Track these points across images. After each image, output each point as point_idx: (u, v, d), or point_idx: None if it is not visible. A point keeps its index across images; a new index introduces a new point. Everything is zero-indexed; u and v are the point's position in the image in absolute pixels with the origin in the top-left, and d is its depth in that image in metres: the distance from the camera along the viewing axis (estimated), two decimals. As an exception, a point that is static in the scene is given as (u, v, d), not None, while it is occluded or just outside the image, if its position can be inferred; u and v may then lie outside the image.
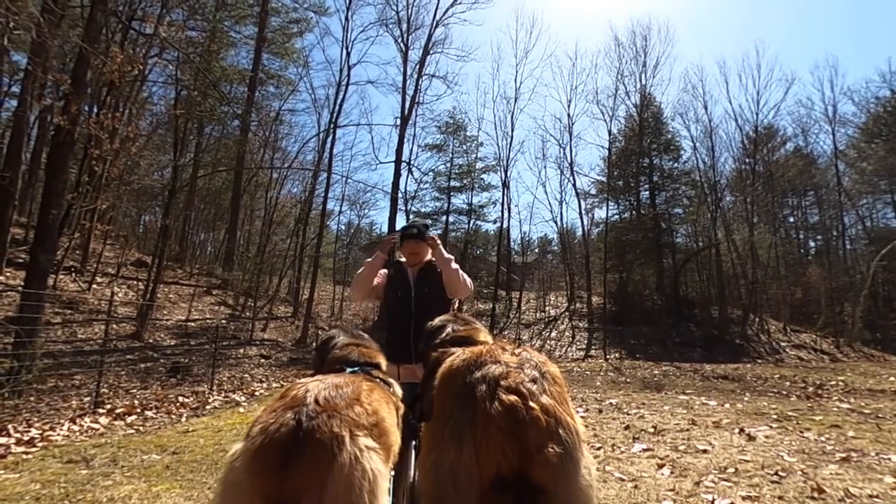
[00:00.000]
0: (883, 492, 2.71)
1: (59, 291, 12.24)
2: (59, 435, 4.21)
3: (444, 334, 1.81)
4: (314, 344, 16.76)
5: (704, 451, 3.69)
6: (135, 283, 15.23)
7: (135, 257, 17.77)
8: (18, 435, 4.03)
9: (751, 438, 4.13)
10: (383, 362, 1.83)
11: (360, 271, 2.57)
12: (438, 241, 2.55)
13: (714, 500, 2.57)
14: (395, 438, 1.30)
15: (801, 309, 26.79)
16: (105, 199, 10.08)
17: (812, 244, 33.66)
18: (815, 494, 2.67)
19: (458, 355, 1.36)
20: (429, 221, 3.08)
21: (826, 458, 3.48)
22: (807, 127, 29.72)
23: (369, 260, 2.57)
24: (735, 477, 3.02)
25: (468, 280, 2.52)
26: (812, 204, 32.56)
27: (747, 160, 25.98)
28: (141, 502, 2.57)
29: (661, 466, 3.30)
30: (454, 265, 2.46)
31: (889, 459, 3.39)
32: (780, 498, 2.62)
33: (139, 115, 16.69)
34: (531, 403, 1.08)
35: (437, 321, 1.91)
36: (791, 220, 32.98)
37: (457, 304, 2.71)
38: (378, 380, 1.58)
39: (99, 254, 14.97)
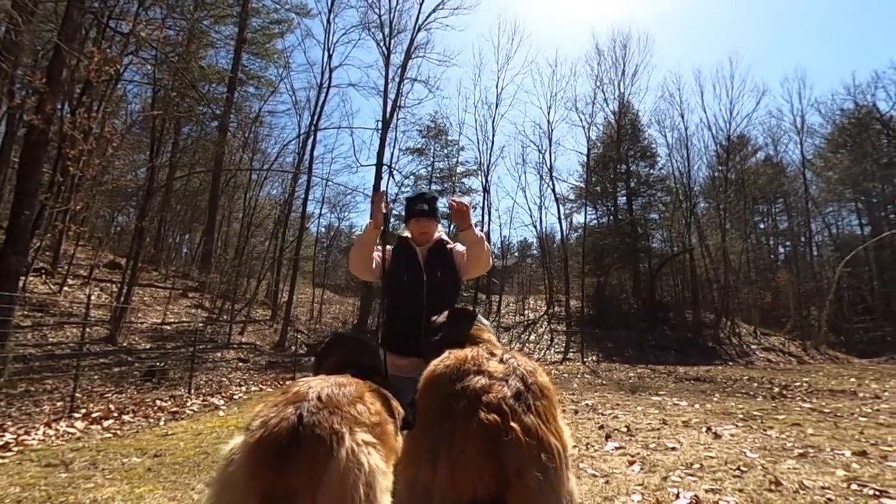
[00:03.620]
0: (834, 484, 2.90)
1: (29, 294, 11.91)
2: (34, 439, 4.16)
3: (444, 331, 1.69)
4: (293, 348, 16.66)
5: (673, 449, 3.87)
6: (108, 285, 14.89)
7: (108, 259, 17.38)
8: (-8, 439, 3.98)
9: (717, 436, 4.33)
10: (380, 366, 1.70)
11: (353, 249, 2.16)
12: (470, 214, 2.05)
13: (679, 493, 2.73)
14: (398, 441, 1.26)
15: (770, 312, 27.70)
16: (79, 199, 9.87)
17: (781, 250, 34.85)
18: (773, 487, 2.85)
19: (442, 360, 1.30)
20: (437, 194, 2.64)
21: (785, 453, 3.68)
22: (776, 136, 30.86)
23: (359, 234, 2.16)
24: (700, 472, 3.19)
25: (491, 256, 2.20)
26: (781, 211, 33.73)
27: (720, 168, 26.80)
28: (125, 503, 2.60)
29: (631, 463, 3.46)
30: (486, 244, 2.14)
31: (843, 454, 3.61)
32: (741, 490, 2.79)
33: (114, 114, 16.37)
34: (512, 423, 1.03)
35: (442, 317, 1.76)
36: (762, 226, 34.08)
37: None
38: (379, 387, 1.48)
39: (71, 255, 14.62)
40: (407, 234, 2.28)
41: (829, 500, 2.64)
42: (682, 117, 28.02)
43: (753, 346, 21.24)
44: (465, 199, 2.10)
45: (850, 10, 51.36)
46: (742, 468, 3.24)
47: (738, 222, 26.97)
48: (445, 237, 2.31)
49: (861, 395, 7.51)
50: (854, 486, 2.83)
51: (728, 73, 38.59)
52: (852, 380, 9.81)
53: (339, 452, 1.00)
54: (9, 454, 3.61)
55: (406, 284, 2.12)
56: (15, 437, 4.17)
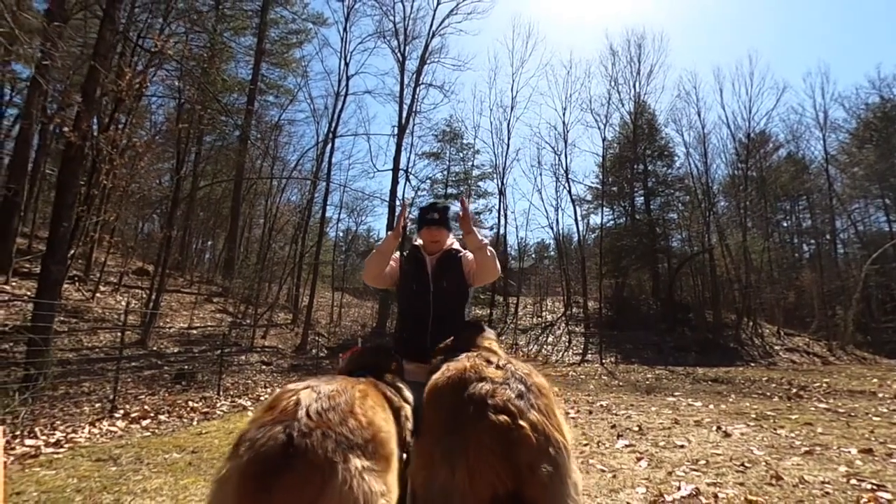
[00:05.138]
0: (835, 479, 3.02)
1: (64, 301, 12.49)
2: (81, 437, 4.50)
3: (448, 340, 1.79)
4: (314, 351, 17.05)
5: (681, 447, 4.01)
6: (137, 291, 15.49)
7: (136, 266, 18.04)
8: (45, 437, 4.32)
9: (727, 435, 4.44)
10: (399, 369, 1.76)
11: (370, 256, 2.26)
12: (468, 217, 2.17)
13: (680, 486, 2.89)
14: (394, 445, 1.25)
15: (794, 312, 27.19)
16: (112, 211, 10.38)
17: (805, 248, 34.13)
18: (774, 481, 2.99)
19: (443, 372, 1.36)
20: (451, 203, 2.69)
21: (792, 451, 3.79)
22: (798, 133, 30.27)
23: (380, 244, 2.26)
24: (705, 468, 3.34)
25: (497, 261, 2.26)
26: (805, 209, 33.04)
27: (740, 166, 26.44)
28: (172, 492, 2.88)
29: (639, 459, 3.62)
30: (489, 249, 2.20)
31: (849, 452, 3.70)
32: (742, 484, 2.94)
33: (139, 124, 16.98)
34: (521, 422, 1.09)
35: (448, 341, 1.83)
36: (784, 224, 33.45)
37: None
38: (383, 384, 1.52)
39: (102, 263, 15.25)
40: (419, 242, 2.35)
41: (827, 493, 2.77)
42: (700, 115, 27.73)
43: (777, 347, 20.91)
44: (466, 201, 2.21)
45: (874, 2, 50.08)
46: (746, 464, 3.38)
47: (760, 221, 26.58)
48: (457, 245, 2.39)
49: (881, 395, 7.47)
50: (853, 482, 2.95)
51: (747, 71, 37.91)
52: (874, 380, 9.71)
53: (333, 480, 0.98)
54: (61, 450, 3.94)
55: (415, 293, 2.22)
56: (64, 434, 4.52)
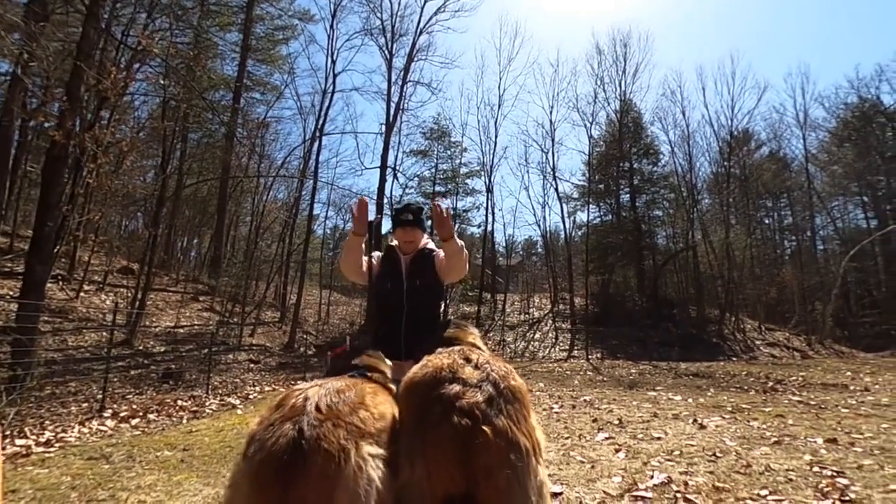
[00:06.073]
0: (799, 467, 3.20)
1: (48, 300, 12.36)
2: (71, 436, 4.54)
3: (433, 339, 1.79)
4: (302, 349, 17.08)
5: (658, 439, 4.18)
6: (122, 290, 15.37)
7: (121, 264, 17.88)
8: (35, 437, 4.36)
9: (702, 427, 4.63)
10: (387, 370, 1.79)
11: (341, 255, 2.33)
12: (450, 222, 2.18)
13: (654, 475, 3.05)
14: None
15: (775, 308, 27.80)
16: (97, 210, 10.31)
17: (787, 245, 34.85)
18: (743, 469, 3.16)
19: (421, 368, 1.38)
20: (424, 205, 2.75)
21: (762, 441, 3.98)
22: (779, 132, 30.90)
23: (347, 241, 2.29)
24: (679, 458, 3.51)
25: (467, 261, 2.33)
26: (786, 206, 33.73)
27: (723, 164, 26.91)
28: (165, 488, 2.96)
29: (617, 451, 3.77)
30: (465, 252, 2.27)
31: (815, 442, 3.90)
32: (712, 473, 3.10)
33: (122, 121, 16.79)
34: (483, 427, 1.11)
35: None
36: (766, 221, 34.12)
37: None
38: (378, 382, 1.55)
39: (86, 262, 15.09)
40: (394, 242, 2.43)
41: (790, 480, 2.95)
42: (684, 114, 28.14)
43: (758, 342, 21.41)
44: (445, 204, 2.19)
45: (853, 4, 51.11)
46: (718, 454, 3.55)
47: (743, 218, 27.12)
48: (432, 244, 2.47)
49: (852, 388, 7.77)
50: (815, 469, 3.13)
51: (729, 70, 38.49)
52: (848, 374, 10.05)
53: (347, 467, 0.98)
54: (52, 449, 3.98)
55: (389, 292, 2.29)
56: (54, 434, 4.56)
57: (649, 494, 2.77)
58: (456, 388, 1.20)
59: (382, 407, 1.22)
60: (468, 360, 1.35)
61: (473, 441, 1.09)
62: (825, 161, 31.44)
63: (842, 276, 24.81)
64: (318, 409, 1.06)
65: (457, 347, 1.54)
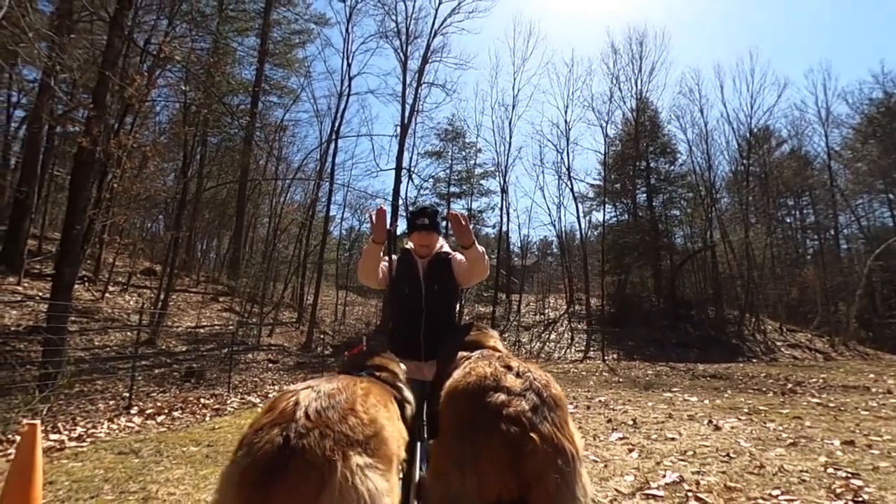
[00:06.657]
0: (813, 468, 3.21)
1: (75, 301, 12.74)
2: (101, 432, 4.74)
3: (454, 341, 1.88)
4: (319, 349, 17.31)
5: (672, 439, 4.20)
6: (145, 291, 15.78)
7: (144, 266, 18.35)
8: (67, 432, 4.56)
9: (717, 428, 4.63)
10: (398, 370, 1.79)
11: (360, 261, 2.38)
12: (470, 229, 2.23)
13: (666, 474, 3.09)
14: (398, 445, 1.26)
15: (797, 309, 27.25)
16: (121, 213, 10.63)
17: (808, 244, 34.10)
18: (756, 470, 3.18)
19: (463, 377, 1.41)
20: (438, 206, 2.75)
21: (778, 443, 3.97)
22: (800, 129, 30.26)
23: (366, 248, 2.33)
24: (692, 458, 3.53)
25: (488, 263, 2.35)
26: (808, 204, 33.01)
27: (743, 162, 26.46)
28: (193, 482, 3.10)
29: (631, 451, 3.81)
30: (486, 257, 2.29)
31: (831, 444, 3.88)
32: (724, 472, 3.13)
33: (144, 126, 17.21)
34: (531, 434, 1.15)
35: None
36: (787, 220, 33.42)
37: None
38: (381, 381, 1.57)
39: (111, 263, 15.53)
40: (410, 245, 2.47)
41: (804, 481, 2.96)
42: (702, 112, 27.67)
43: (779, 343, 21.03)
44: (461, 212, 2.26)
45: (878, -4, 49.78)
46: (731, 454, 3.57)
47: (763, 217, 26.63)
48: (447, 248, 2.49)
49: (874, 390, 7.63)
50: (830, 471, 3.14)
51: (748, 68, 37.87)
52: (871, 376, 9.85)
53: (332, 479, 0.98)
54: (84, 444, 4.17)
55: (407, 296, 2.34)
56: (85, 430, 4.76)
57: (661, 493, 2.81)
58: (501, 396, 1.25)
59: (373, 410, 1.22)
60: (509, 367, 1.39)
61: (523, 448, 1.13)
62: (849, 158, 30.67)
63: (866, 275, 24.18)
64: (307, 415, 1.06)
65: (494, 354, 1.61)
